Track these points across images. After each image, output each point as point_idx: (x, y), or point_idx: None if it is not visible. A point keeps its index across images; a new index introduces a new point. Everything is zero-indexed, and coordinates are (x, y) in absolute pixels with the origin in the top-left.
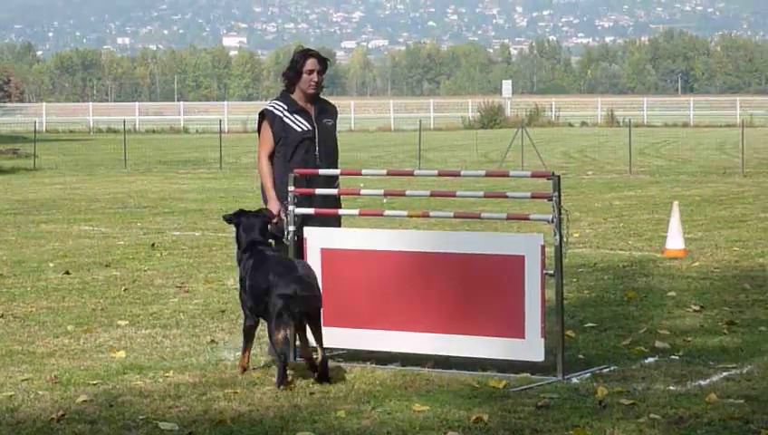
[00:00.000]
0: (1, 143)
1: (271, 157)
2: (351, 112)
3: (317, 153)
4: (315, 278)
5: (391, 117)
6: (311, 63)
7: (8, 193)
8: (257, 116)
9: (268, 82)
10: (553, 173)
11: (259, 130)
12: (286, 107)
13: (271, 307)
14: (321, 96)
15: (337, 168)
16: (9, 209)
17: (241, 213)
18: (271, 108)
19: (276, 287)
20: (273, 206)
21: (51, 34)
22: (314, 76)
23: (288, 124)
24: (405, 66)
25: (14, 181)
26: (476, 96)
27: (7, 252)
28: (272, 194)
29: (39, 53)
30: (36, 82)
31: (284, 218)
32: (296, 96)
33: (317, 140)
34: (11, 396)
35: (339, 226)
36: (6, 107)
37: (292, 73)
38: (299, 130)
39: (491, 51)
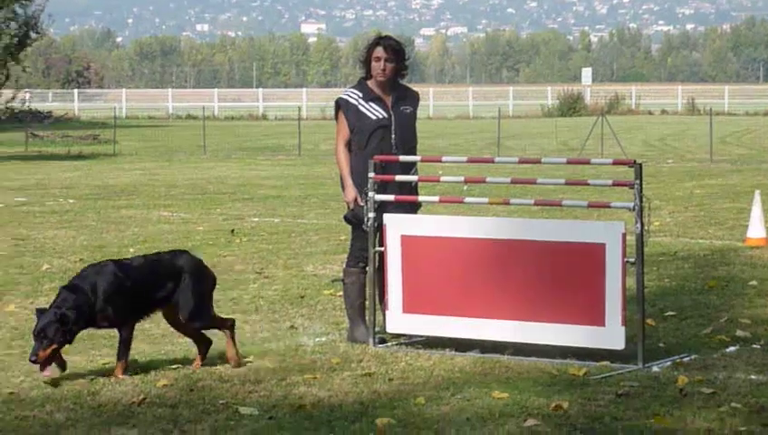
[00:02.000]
0: (81, 129)
1: (348, 145)
2: (430, 100)
3: (393, 141)
4: None
5: (470, 104)
6: (378, 51)
7: (89, 179)
8: (333, 105)
9: (346, 69)
10: (635, 161)
11: (336, 119)
12: (361, 95)
13: None
14: (403, 83)
15: (416, 155)
16: (90, 195)
17: None
18: (345, 96)
19: None
20: (350, 193)
21: (130, 21)
22: (381, 64)
23: (362, 112)
24: (484, 53)
25: (95, 167)
26: (556, 84)
27: (88, 237)
28: (348, 182)
29: (118, 39)
30: (116, 69)
31: (362, 206)
32: (372, 84)
33: (393, 128)
34: (92, 380)
35: (415, 213)
36: (86, 93)
37: (365, 61)
38: (373, 117)
39: (570, 38)
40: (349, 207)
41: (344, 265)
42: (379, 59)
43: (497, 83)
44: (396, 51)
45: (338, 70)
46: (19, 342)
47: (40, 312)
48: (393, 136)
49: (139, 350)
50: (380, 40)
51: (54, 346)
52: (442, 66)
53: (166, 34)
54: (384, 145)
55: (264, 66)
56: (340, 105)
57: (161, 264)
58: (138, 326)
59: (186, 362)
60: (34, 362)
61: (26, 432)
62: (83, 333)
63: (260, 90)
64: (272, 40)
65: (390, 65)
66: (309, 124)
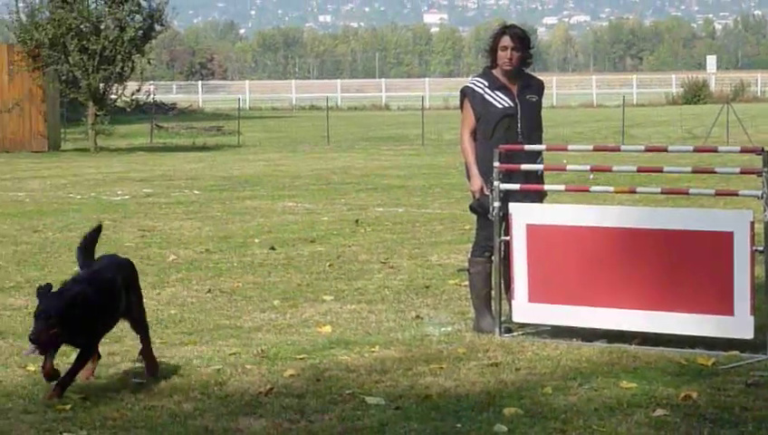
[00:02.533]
0: (205, 121)
1: (474, 135)
2: (553, 88)
3: (519, 130)
4: None
5: (594, 93)
6: (504, 40)
7: (213, 170)
8: (459, 94)
9: (469, 59)
10: (763, 148)
11: (461, 108)
12: (487, 84)
13: None
14: (528, 72)
15: (541, 144)
16: (214, 186)
17: None
18: (471, 85)
19: None
20: (476, 183)
21: (253, 13)
22: (508, 53)
23: (489, 101)
24: (607, 42)
25: (219, 158)
26: (680, 72)
27: (213, 228)
28: (474, 171)
29: (241, 31)
30: (239, 60)
31: (488, 195)
32: (498, 72)
33: (519, 117)
34: (219, 370)
35: (541, 202)
36: (210, 85)
37: (491, 50)
38: (500, 106)
39: (694, 26)
40: (474, 197)
41: (469, 255)
42: (505, 48)
43: (621, 72)
44: (522, 39)
45: (460, 59)
46: None
47: None
48: (519, 125)
49: (266, 340)
50: (506, 29)
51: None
52: (565, 55)
53: (289, 26)
54: (510, 134)
55: (387, 56)
56: (466, 94)
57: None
58: (264, 317)
59: (312, 352)
60: None
61: (154, 422)
62: (210, 324)
63: (383, 80)
64: (394, 30)
65: (517, 54)
66: (432, 114)
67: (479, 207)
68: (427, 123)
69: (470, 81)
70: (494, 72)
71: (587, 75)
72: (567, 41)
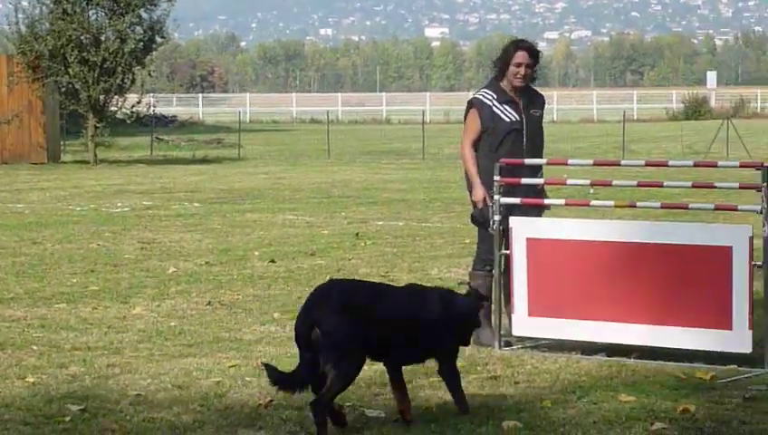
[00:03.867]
0: (206, 133)
1: (475, 145)
2: (554, 103)
3: (524, 145)
4: None
5: (594, 108)
6: (520, 56)
7: (214, 182)
8: (466, 104)
9: (470, 73)
10: (762, 163)
11: (465, 118)
12: (495, 96)
13: None
14: (531, 86)
15: (542, 158)
16: (215, 198)
17: None
18: (480, 96)
19: None
20: (479, 192)
21: (254, 26)
22: (522, 69)
23: (497, 114)
24: (608, 57)
25: (220, 171)
26: (680, 87)
27: (213, 240)
28: (477, 181)
29: (242, 43)
30: (240, 73)
31: (490, 207)
32: (505, 85)
33: (525, 132)
34: (219, 382)
35: (540, 216)
36: (211, 97)
37: (502, 63)
38: (507, 120)
39: (695, 42)
40: (476, 207)
41: (470, 269)
42: (520, 64)
43: (621, 87)
44: (535, 56)
45: (461, 74)
46: (146, 344)
47: None
48: (525, 140)
49: (266, 352)
50: (522, 44)
51: None
52: (566, 70)
53: (290, 39)
54: (516, 148)
55: (388, 70)
56: (474, 104)
57: None
58: (264, 329)
59: None
60: None
61: (154, 434)
62: (210, 336)
63: (383, 94)
64: (395, 44)
65: (529, 70)
66: (432, 128)
67: (480, 217)
68: (427, 137)
69: (478, 92)
70: (501, 84)
71: (588, 90)
72: (568, 56)
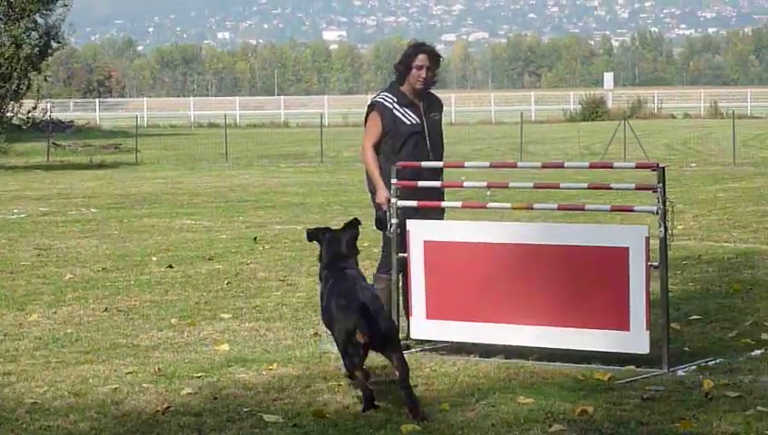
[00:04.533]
0: (103, 138)
1: (376, 149)
2: (452, 106)
3: (427, 147)
4: (381, 307)
5: (492, 110)
6: (421, 59)
7: (111, 187)
8: (366, 107)
9: (368, 76)
10: (658, 164)
11: (366, 121)
12: (396, 100)
13: (336, 339)
14: (429, 90)
15: (442, 161)
16: (112, 204)
17: (325, 230)
18: (381, 99)
19: (337, 321)
20: (382, 194)
21: (151, 30)
22: (423, 72)
23: (398, 117)
24: (505, 59)
25: (117, 176)
26: (578, 88)
27: (111, 246)
28: (381, 183)
29: (140, 48)
30: (137, 78)
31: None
32: (406, 89)
33: (426, 134)
34: (116, 389)
35: (442, 219)
36: (108, 102)
37: (403, 67)
38: (408, 123)
39: (592, 43)
40: (380, 209)
41: (375, 272)
42: (420, 67)
43: (519, 89)
44: (436, 59)
45: (359, 76)
46: (42, 352)
47: None
48: (428, 142)
49: (164, 358)
50: (422, 47)
51: None
52: (464, 72)
53: (187, 43)
54: (417, 151)
55: (286, 74)
56: (375, 107)
57: None
58: (161, 335)
59: (210, 370)
60: None
61: None
62: (107, 342)
63: (281, 97)
64: (293, 47)
65: (430, 73)
66: (331, 131)
67: (386, 219)
68: (325, 140)
69: (379, 95)
70: (402, 88)
71: (485, 92)
72: (466, 58)
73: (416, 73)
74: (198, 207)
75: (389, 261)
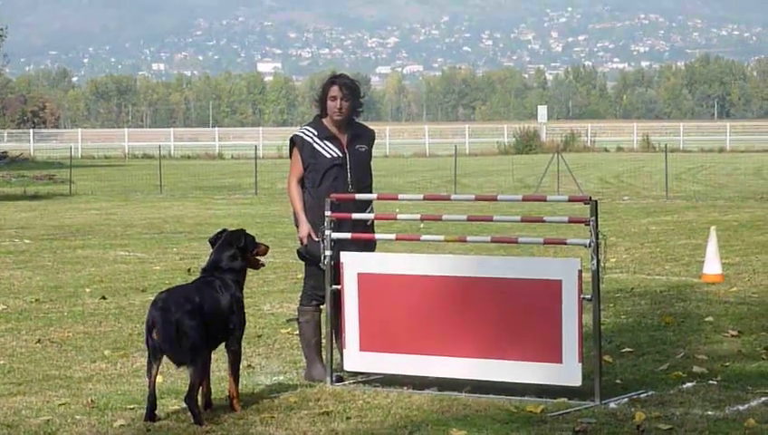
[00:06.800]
0: (37, 169)
1: (301, 182)
2: (386, 138)
3: (348, 180)
4: (166, 309)
5: (426, 142)
6: (333, 90)
7: (44, 219)
8: (288, 142)
9: (303, 108)
10: (590, 198)
11: (291, 156)
12: (317, 133)
13: None
14: (358, 121)
15: (371, 193)
16: (45, 235)
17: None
18: (301, 133)
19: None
20: (304, 229)
21: (86, 60)
22: (337, 103)
23: (317, 150)
24: (440, 91)
25: (51, 207)
26: (512, 121)
27: (44, 277)
28: (302, 218)
29: (74, 79)
30: (71, 108)
31: (317, 242)
32: (328, 122)
33: (348, 167)
34: (48, 421)
35: (372, 251)
36: (42, 133)
37: (320, 99)
38: (328, 156)
39: (526, 76)
40: (302, 243)
41: (299, 304)
42: (335, 98)
43: (453, 121)
44: (351, 89)
45: (294, 108)
46: None
47: None
48: (349, 175)
49: (96, 390)
50: (336, 79)
51: None
52: (398, 104)
53: (122, 74)
54: (338, 184)
55: (221, 105)
56: (295, 142)
57: None
58: (94, 367)
59: (143, 401)
60: None
61: None
62: (39, 374)
63: (216, 129)
64: (228, 79)
65: (346, 104)
66: (265, 163)
67: (307, 254)
68: (260, 172)
69: (300, 129)
70: (324, 121)
71: (420, 124)
72: (400, 90)
73: (331, 105)
74: (132, 238)
75: (311, 293)
